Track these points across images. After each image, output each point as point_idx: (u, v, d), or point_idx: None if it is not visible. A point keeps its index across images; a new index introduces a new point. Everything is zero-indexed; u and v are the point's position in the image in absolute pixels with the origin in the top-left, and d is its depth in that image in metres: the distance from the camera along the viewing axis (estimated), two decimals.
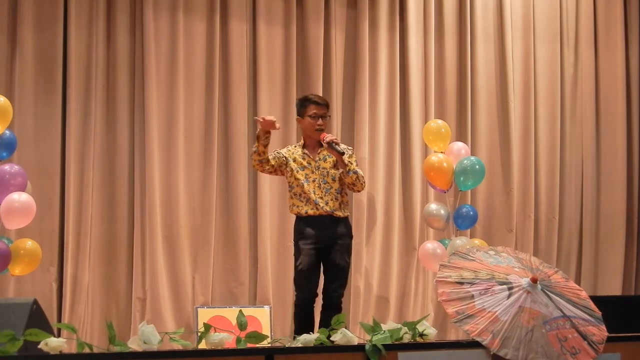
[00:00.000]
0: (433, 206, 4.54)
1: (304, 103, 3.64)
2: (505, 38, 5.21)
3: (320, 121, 3.57)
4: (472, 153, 4.80)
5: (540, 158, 5.27)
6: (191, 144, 4.58)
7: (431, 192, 4.87)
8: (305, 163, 3.58)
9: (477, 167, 4.45)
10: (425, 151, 4.88)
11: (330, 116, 3.68)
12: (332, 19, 4.88)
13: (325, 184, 3.56)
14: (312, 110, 3.58)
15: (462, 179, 4.43)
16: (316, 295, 3.57)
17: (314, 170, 3.57)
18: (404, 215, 4.94)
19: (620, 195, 5.40)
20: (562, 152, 5.33)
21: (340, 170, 3.57)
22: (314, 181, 3.55)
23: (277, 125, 3.49)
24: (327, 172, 3.57)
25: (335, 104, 4.89)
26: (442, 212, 4.47)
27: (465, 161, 4.45)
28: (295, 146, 3.71)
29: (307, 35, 4.83)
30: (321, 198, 3.53)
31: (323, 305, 3.58)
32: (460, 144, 4.61)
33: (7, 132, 3.83)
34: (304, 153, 3.61)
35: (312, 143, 3.63)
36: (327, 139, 3.51)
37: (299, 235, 3.56)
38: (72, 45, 4.36)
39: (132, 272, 4.38)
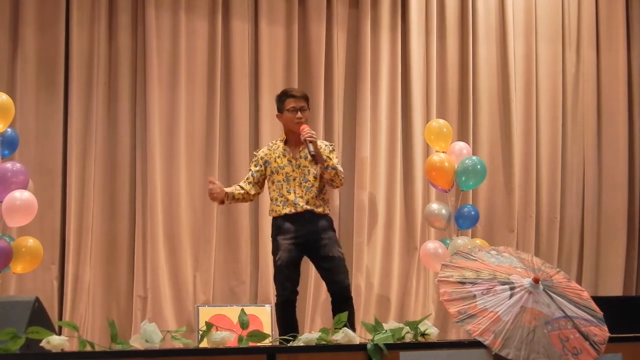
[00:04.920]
0: (434, 206, 4.53)
1: (281, 98, 3.50)
2: (507, 38, 5.21)
3: (299, 114, 3.43)
4: (474, 153, 4.80)
5: (541, 158, 5.27)
6: (192, 142, 4.58)
7: (432, 191, 4.87)
8: (285, 161, 3.44)
9: (478, 166, 4.44)
10: (427, 151, 4.88)
11: (309, 109, 3.53)
12: (334, 18, 4.88)
13: (306, 182, 3.41)
14: (290, 104, 3.44)
15: (463, 178, 4.42)
16: (297, 293, 3.43)
17: (295, 168, 3.42)
18: (405, 214, 4.94)
19: (621, 196, 5.40)
20: (564, 152, 5.34)
21: (319, 165, 3.39)
22: (294, 179, 3.40)
23: (219, 191, 3.43)
24: (309, 171, 3.42)
25: (337, 104, 4.89)
26: (444, 211, 4.46)
27: (467, 161, 4.44)
28: (275, 142, 3.53)
29: (308, 34, 4.83)
30: (301, 197, 3.38)
31: (333, 302, 3.41)
32: (461, 144, 4.61)
33: (9, 130, 3.83)
34: (284, 150, 3.46)
35: (294, 139, 3.46)
36: (304, 136, 3.34)
37: (277, 230, 3.42)
38: (73, 43, 4.37)
39: (134, 270, 4.39)
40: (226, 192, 3.47)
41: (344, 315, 2.65)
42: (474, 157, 4.52)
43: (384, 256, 4.86)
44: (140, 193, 4.43)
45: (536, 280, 2.68)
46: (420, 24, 5.05)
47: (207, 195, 4.45)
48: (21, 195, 3.70)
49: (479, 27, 5.17)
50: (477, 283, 2.67)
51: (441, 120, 4.62)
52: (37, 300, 2.52)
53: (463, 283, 2.68)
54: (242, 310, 2.61)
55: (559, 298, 2.72)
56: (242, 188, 3.51)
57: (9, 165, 3.77)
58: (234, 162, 4.64)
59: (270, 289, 4.53)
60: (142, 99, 4.48)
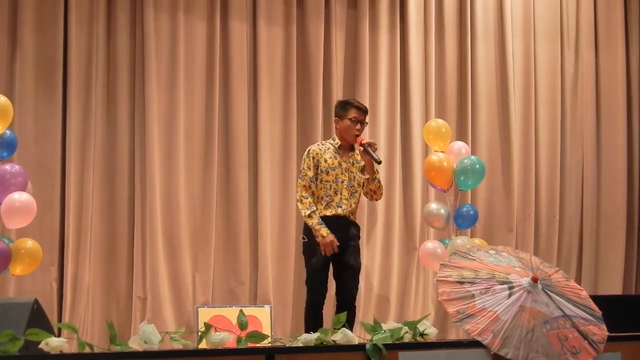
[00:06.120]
0: (433, 205, 4.50)
1: (345, 106, 3.59)
2: (506, 37, 5.21)
3: (358, 126, 3.53)
4: (473, 152, 4.77)
5: (540, 157, 5.27)
6: (191, 143, 4.58)
7: (431, 191, 4.86)
8: (337, 163, 3.51)
9: (477, 166, 4.40)
10: (426, 150, 4.87)
11: (367, 123, 3.65)
12: (332, 18, 4.88)
13: (351, 187, 3.52)
14: (352, 113, 3.53)
15: (462, 178, 4.39)
16: (326, 292, 3.52)
17: (344, 171, 3.52)
18: (404, 214, 4.95)
19: (620, 195, 5.39)
20: (563, 151, 5.33)
21: (366, 176, 3.52)
22: (342, 182, 3.50)
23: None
24: (354, 177, 3.53)
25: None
26: (443, 211, 4.43)
27: (466, 160, 4.41)
28: (327, 142, 3.60)
29: (307, 35, 4.83)
30: (347, 200, 3.49)
31: (338, 306, 3.53)
32: (460, 143, 4.58)
33: (8, 131, 3.82)
34: (336, 153, 3.54)
35: (345, 146, 3.57)
36: (365, 142, 3.47)
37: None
38: (72, 44, 4.37)
39: (133, 271, 4.40)
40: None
41: (342, 316, 2.67)
42: (472, 157, 4.50)
43: (384, 256, 4.86)
44: (140, 194, 4.43)
45: (535, 280, 2.68)
46: (419, 24, 5.05)
47: (206, 196, 4.55)
48: (20, 197, 3.68)
49: (478, 27, 5.17)
50: (475, 283, 2.67)
51: (440, 120, 4.59)
52: (36, 301, 2.52)
53: (462, 283, 2.68)
54: (241, 311, 2.61)
55: (557, 297, 2.72)
56: (317, 210, 3.46)
57: (7, 167, 3.76)
58: (233, 162, 4.64)
59: (269, 289, 4.56)
60: (140, 99, 4.48)
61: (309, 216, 3.42)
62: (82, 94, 4.39)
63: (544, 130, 5.30)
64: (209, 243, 4.51)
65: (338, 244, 3.40)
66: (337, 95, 4.87)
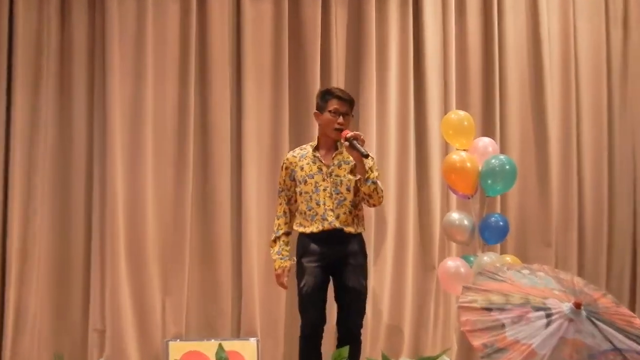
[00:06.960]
0: (455, 215, 4.49)
1: (325, 96, 3.63)
2: (540, 12, 5.12)
3: (340, 119, 3.55)
4: (502, 151, 4.75)
5: (583, 157, 5.21)
6: (162, 142, 4.56)
7: (453, 198, 4.83)
8: (315, 169, 3.57)
9: (507, 167, 4.39)
10: (445, 149, 4.83)
11: (353, 116, 3.66)
12: None
13: (338, 194, 3.53)
14: (333, 105, 3.56)
15: (489, 182, 4.38)
16: (324, 321, 3.55)
17: (326, 177, 3.55)
18: (419, 226, 4.90)
19: None
20: (611, 148, 5.25)
21: (358, 176, 3.52)
22: (324, 190, 3.53)
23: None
24: (341, 181, 3.55)
25: None
26: (466, 222, 4.41)
27: (493, 160, 4.38)
28: (303, 148, 3.67)
29: (301, 12, 4.78)
30: (332, 210, 3.52)
31: (339, 339, 3.57)
32: (486, 140, 4.55)
33: None
34: (315, 156, 3.60)
35: (328, 144, 3.60)
36: (349, 135, 3.47)
37: (301, 251, 3.58)
38: (19, 27, 4.38)
39: (89, 297, 4.39)
40: (289, 263, 3.63)
41: (344, 350, 2.73)
42: (501, 156, 4.47)
43: (395, 277, 4.80)
44: (98, 204, 4.43)
45: (577, 305, 2.58)
46: None
47: (179, 205, 4.58)
48: None
49: (506, 0, 5.10)
50: (506, 309, 2.60)
51: (461, 112, 4.54)
52: None
53: (489, 309, 2.60)
54: (220, 345, 2.66)
55: (605, 326, 2.63)
56: (286, 235, 3.65)
57: None
58: (212, 164, 4.61)
59: (256, 318, 4.53)
60: (100, 91, 4.49)
61: (273, 241, 3.64)
62: (30, 85, 4.40)
63: (587, 123, 5.22)
64: (183, 262, 4.51)
65: (284, 281, 3.56)
66: (338, 85, 4.78)
